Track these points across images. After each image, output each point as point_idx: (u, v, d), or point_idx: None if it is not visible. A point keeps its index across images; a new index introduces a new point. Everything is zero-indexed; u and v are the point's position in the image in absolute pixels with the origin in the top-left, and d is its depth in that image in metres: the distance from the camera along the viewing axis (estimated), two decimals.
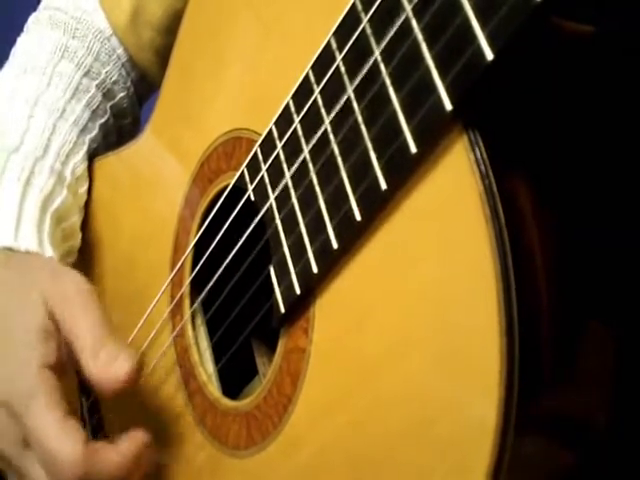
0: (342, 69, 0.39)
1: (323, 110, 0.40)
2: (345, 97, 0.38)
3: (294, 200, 0.42)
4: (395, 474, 0.37)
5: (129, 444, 0.47)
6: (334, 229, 0.39)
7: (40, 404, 0.46)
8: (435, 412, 0.35)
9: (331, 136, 0.39)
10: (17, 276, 0.52)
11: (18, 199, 0.57)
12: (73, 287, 0.50)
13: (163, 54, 0.63)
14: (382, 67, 0.36)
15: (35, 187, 0.58)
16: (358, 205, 0.38)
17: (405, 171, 0.36)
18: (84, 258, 0.64)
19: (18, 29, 0.69)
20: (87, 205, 0.64)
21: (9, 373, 0.48)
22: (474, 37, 0.32)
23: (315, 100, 0.41)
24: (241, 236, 0.47)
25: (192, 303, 0.53)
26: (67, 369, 0.49)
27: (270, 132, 0.45)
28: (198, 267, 0.52)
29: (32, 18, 0.69)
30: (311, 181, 0.41)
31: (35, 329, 0.48)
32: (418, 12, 0.34)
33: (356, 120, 0.38)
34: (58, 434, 0.46)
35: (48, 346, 0.48)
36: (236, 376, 0.52)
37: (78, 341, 0.48)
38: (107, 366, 0.47)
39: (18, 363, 0.48)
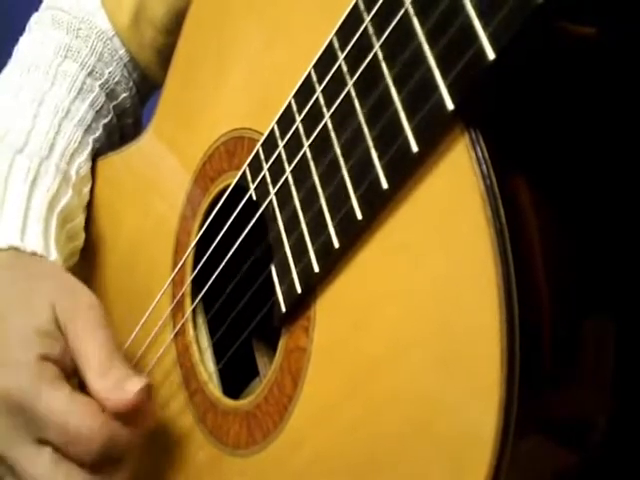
0: (344, 68, 0.39)
1: (325, 109, 0.40)
2: (347, 96, 0.38)
3: (295, 199, 0.42)
4: (395, 475, 0.37)
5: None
6: (335, 228, 0.39)
7: (47, 388, 0.46)
8: (435, 413, 0.35)
9: (333, 135, 0.39)
10: (23, 278, 0.52)
11: (25, 200, 0.57)
12: (84, 303, 0.50)
13: (165, 53, 0.63)
14: (384, 66, 0.36)
15: (41, 187, 0.58)
16: (359, 204, 0.38)
17: (406, 170, 0.36)
18: (86, 257, 0.64)
19: (19, 29, 0.69)
20: (89, 205, 0.64)
21: (9, 368, 0.47)
22: (476, 37, 0.32)
23: (317, 99, 0.41)
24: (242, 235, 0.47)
25: (193, 302, 0.53)
26: (70, 374, 0.49)
27: (272, 131, 0.45)
28: (199, 266, 0.52)
29: (34, 18, 0.69)
30: (312, 180, 0.41)
31: (37, 328, 0.48)
32: (420, 12, 0.34)
33: (358, 119, 0.38)
34: (74, 410, 0.46)
35: (49, 343, 0.48)
36: (237, 376, 0.52)
37: (85, 359, 0.48)
38: (116, 385, 0.47)
39: (18, 357, 0.47)
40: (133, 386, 0.46)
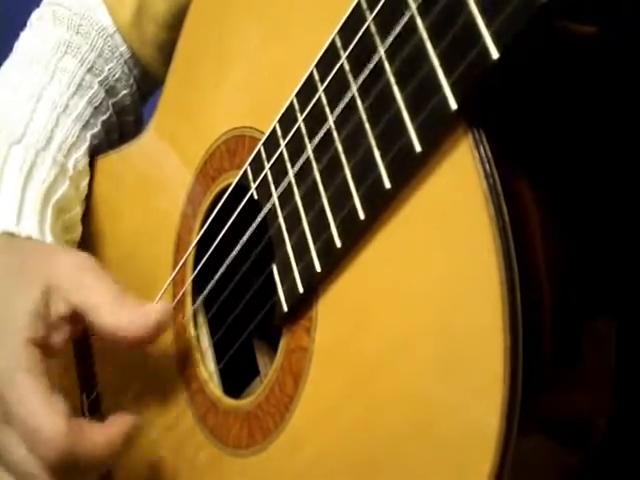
0: (346, 67, 0.39)
1: (327, 108, 0.40)
2: (349, 95, 0.38)
3: (297, 198, 0.42)
4: (396, 475, 0.37)
5: (117, 426, 0.47)
6: (337, 228, 0.39)
7: (22, 377, 0.46)
8: (437, 413, 0.35)
9: (335, 134, 0.39)
10: (17, 261, 0.52)
11: (20, 189, 0.57)
12: (80, 261, 0.50)
13: (166, 50, 0.63)
14: (387, 65, 0.36)
15: (37, 177, 0.58)
16: (362, 204, 0.37)
17: (409, 170, 0.35)
18: None
19: (19, 25, 0.69)
20: (89, 203, 0.64)
21: None
22: (479, 36, 0.32)
23: (319, 98, 0.41)
24: (244, 235, 0.47)
25: (194, 302, 0.53)
26: (54, 352, 0.49)
27: (274, 130, 0.44)
28: (200, 265, 0.52)
29: (35, 14, 0.70)
30: (314, 179, 0.41)
31: (25, 310, 0.48)
32: (423, 10, 0.34)
33: (360, 118, 0.37)
34: (40, 407, 0.45)
35: (35, 324, 0.48)
36: (237, 375, 0.52)
37: (96, 304, 0.47)
38: (135, 312, 0.46)
39: (3, 340, 0.47)
40: (153, 308, 0.46)
